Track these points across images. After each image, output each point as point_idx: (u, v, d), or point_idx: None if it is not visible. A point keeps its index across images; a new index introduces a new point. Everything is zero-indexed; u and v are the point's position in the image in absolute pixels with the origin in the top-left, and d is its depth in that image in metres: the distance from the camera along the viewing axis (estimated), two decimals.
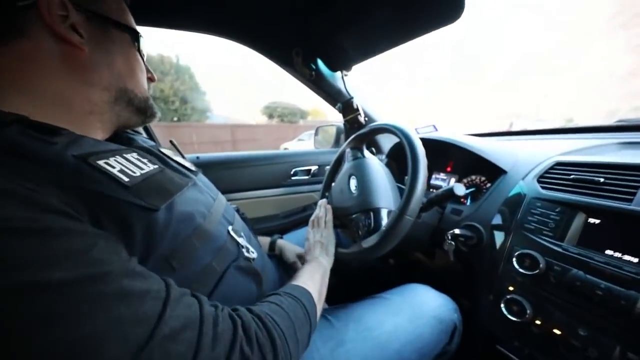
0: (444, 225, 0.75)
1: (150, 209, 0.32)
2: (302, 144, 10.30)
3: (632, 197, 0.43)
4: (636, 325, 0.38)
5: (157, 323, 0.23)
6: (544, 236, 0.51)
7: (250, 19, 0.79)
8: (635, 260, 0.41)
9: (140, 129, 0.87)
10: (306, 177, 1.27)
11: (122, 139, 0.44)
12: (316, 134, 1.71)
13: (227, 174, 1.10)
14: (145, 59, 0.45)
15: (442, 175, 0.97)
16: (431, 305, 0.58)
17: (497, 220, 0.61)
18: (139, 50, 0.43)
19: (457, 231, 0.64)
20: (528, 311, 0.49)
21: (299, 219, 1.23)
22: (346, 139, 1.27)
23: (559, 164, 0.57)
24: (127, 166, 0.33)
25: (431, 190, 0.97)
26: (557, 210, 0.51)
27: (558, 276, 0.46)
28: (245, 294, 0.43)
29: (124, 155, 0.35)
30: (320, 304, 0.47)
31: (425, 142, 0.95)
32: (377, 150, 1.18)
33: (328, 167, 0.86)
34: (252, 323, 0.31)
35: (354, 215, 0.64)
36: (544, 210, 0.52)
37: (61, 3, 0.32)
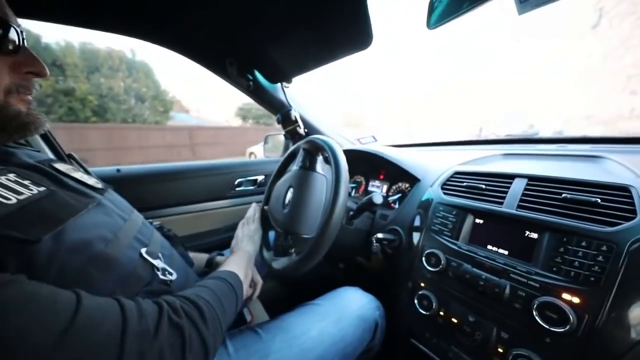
0: (375, 229, 0.81)
1: (29, 241, 0.28)
2: (260, 149, 10.11)
3: (502, 200, 0.53)
4: (505, 308, 0.45)
5: (76, 310, 0.25)
6: (445, 236, 0.58)
7: (181, 25, 0.76)
8: (506, 252, 0.49)
9: (38, 138, 0.74)
10: (252, 188, 1.24)
11: None
12: (266, 142, 1.69)
13: (160, 188, 1.00)
14: (16, 47, 0.36)
15: (377, 183, 1.05)
16: (355, 306, 0.61)
17: (413, 223, 0.67)
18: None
19: (380, 235, 0.69)
20: (434, 304, 0.55)
21: None
22: (285, 147, 1.29)
23: (457, 172, 0.66)
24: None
25: (380, 195, 1.05)
26: (454, 213, 0.59)
27: (454, 271, 0.53)
28: None
29: None
30: (246, 283, 0.54)
31: (360, 153, 1.03)
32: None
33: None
34: (176, 300, 0.34)
35: (279, 229, 0.65)
36: (445, 213, 0.60)
37: None
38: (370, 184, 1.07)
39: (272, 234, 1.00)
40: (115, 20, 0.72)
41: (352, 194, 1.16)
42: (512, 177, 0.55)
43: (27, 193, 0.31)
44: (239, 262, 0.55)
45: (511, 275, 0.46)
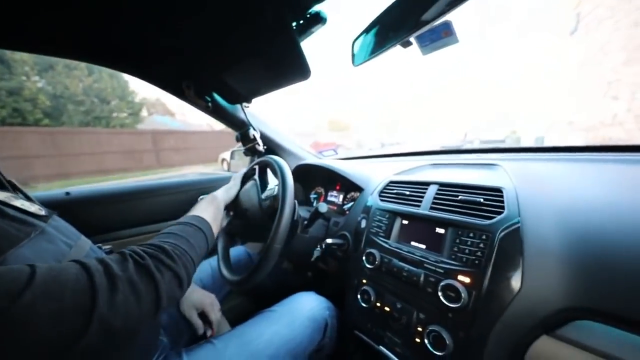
0: (329, 236, 0.89)
1: None
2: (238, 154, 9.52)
3: (420, 204, 0.64)
4: (421, 293, 0.55)
5: (33, 272, 0.27)
6: (379, 237, 0.67)
7: (135, 50, 0.79)
8: (423, 247, 0.59)
9: None
10: None
11: None
12: (232, 157, 1.73)
13: (116, 209, 0.99)
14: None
15: (334, 193, 1.14)
16: (306, 308, 0.67)
17: (358, 227, 0.76)
18: None
19: (329, 240, 0.77)
20: (372, 297, 0.63)
21: None
22: (249, 163, 1.34)
23: (391, 182, 0.77)
24: None
25: (329, 205, 1.13)
26: (387, 216, 0.69)
27: (386, 266, 0.62)
28: (110, 352, 0.42)
29: None
30: (215, 225, 0.56)
31: (319, 167, 1.12)
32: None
33: None
34: (136, 247, 0.38)
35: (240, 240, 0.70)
36: (380, 217, 0.70)
37: None
38: (329, 194, 1.16)
39: (236, 253, 1.03)
40: (62, 44, 0.72)
41: (314, 204, 1.24)
42: (428, 184, 0.67)
43: None
44: (204, 206, 0.58)
45: (425, 265, 0.56)
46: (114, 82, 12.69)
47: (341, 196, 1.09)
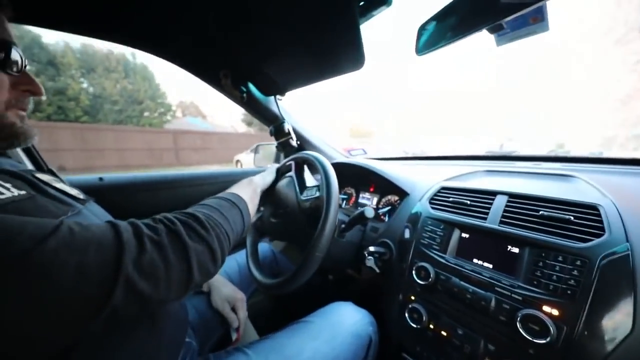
0: (366, 242, 0.82)
1: None
2: (250, 157, 9.53)
3: (486, 216, 0.56)
4: (492, 321, 0.47)
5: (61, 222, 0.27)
6: (434, 249, 0.60)
7: (175, 36, 0.76)
8: (490, 266, 0.52)
9: (20, 153, 0.71)
10: None
11: None
12: (256, 151, 1.69)
13: (144, 197, 0.97)
14: (19, 68, 0.40)
15: (367, 195, 1.07)
16: (349, 322, 0.61)
17: (403, 236, 0.69)
18: (3, 62, 0.38)
19: (372, 248, 0.70)
20: (424, 318, 0.56)
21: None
22: (277, 159, 1.29)
23: (444, 188, 0.69)
24: None
25: (358, 207, 1.07)
26: (441, 227, 0.61)
27: (443, 284, 0.55)
28: (135, 342, 0.38)
29: None
30: (252, 205, 0.54)
31: (351, 166, 1.06)
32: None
33: None
34: (168, 214, 0.36)
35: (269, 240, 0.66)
36: (433, 227, 0.62)
37: None
38: (361, 195, 1.09)
39: (261, 250, 0.99)
40: (109, 28, 0.71)
41: (343, 205, 1.17)
42: (494, 193, 0.59)
43: (7, 194, 0.31)
44: (242, 186, 0.56)
45: (496, 288, 0.48)
46: (145, 84, 13.39)
47: (375, 199, 1.02)
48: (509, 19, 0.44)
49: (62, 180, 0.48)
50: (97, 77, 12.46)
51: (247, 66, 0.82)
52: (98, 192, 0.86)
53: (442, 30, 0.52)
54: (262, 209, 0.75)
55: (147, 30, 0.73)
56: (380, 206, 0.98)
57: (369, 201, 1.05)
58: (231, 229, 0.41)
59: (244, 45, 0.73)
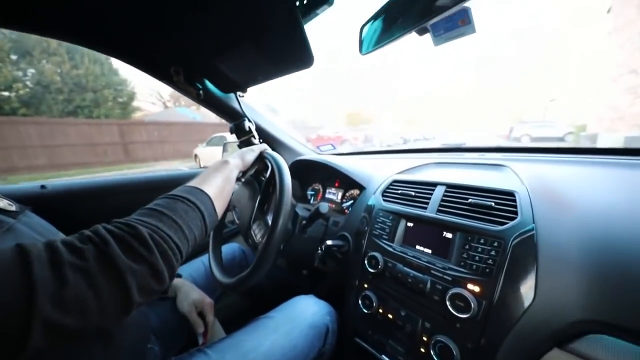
0: (327, 236, 0.85)
1: None
2: (208, 150, 7.72)
3: (426, 206, 0.60)
4: (427, 301, 0.52)
5: None
6: (383, 239, 0.64)
7: (120, 31, 0.72)
8: (429, 251, 0.57)
9: None
10: None
11: None
12: (224, 150, 1.65)
13: (95, 204, 0.92)
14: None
15: (333, 190, 1.10)
16: (306, 314, 0.64)
17: (359, 229, 0.73)
18: None
19: (329, 242, 0.73)
20: (375, 303, 0.60)
21: (197, 246, 1.14)
22: None
23: (395, 181, 0.74)
24: None
25: (327, 202, 1.10)
26: (390, 218, 0.65)
27: (390, 271, 0.59)
28: (91, 358, 0.38)
29: None
30: (221, 198, 0.47)
31: (316, 163, 1.08)
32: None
33: None
34: (101, 227, 0.31)
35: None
36: (383, 219, 0.66)
37: None
38: (327, 191, 1.12)
39: (229, 250, 0.98)
40: (44, 20, 0.65)
41: (311, 201, 1.19)
42: (434, 184, 0.64)
43: None
44: (209, 175, 0.48)
45: (432, 271, 0.53)
46: (96, 68, 11.93)
47: (340, 194, 1.05)
48: (432, 22, 0.47)
49: None
50: (35, 63, 10.71)
51: (199, 63, 0.80)
52: (40, 201, 0.80)
53: (379, 30, 0.55)
54: (242, 180, 0.72)
55: (89, 25, 0.68)
56: (344, 200, 1.02)
57: (334, 196, 1.08)
58: (185, 238, 0.36)
59: (193, 42, 0.70)
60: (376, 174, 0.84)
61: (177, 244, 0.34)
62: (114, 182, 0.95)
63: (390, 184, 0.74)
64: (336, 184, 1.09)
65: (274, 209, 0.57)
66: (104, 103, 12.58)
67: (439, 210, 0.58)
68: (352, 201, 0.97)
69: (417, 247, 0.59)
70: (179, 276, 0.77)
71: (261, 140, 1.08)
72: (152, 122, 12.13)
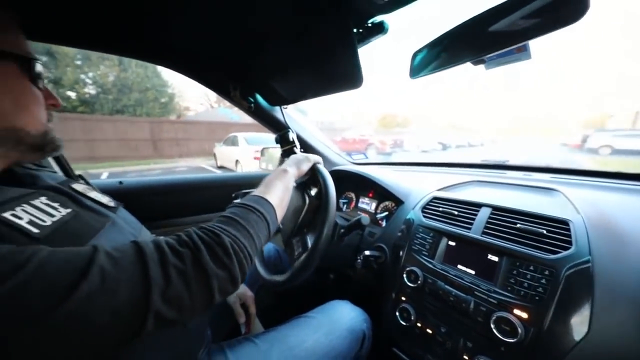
0: (363, 245, 0.88)
1: None
2: (224, 149, 7.91)
3: (470, 226, 0.61)
4: (470, 321, 0.53)
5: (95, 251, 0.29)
6: (423, 255, 0.66)
7: (190, 52, 0.82)
8: (472, 272, 0.58)
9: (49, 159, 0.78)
10: None
11: (22, 177, 0.40)
12: (262, 154, 1.76)
13: (161, 200, 1.05)
14: (43, 85, 0.41)
15: (366, 200, 1.13)
16: (345, 319, 0.67)
17: (397, 242, 0.75)
18: (33, 77, 0.39)
19: (367, 252, 0.77)
20: (413, 317, 0.62)
21: None
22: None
23: (435, 198, 0.75)
24: (36, 215, 0.32)
25: (359, 212, 1.13)
26: (431, 235, 0.67)
27: (430, 287, 0.61)
28: (166, 338, 0.44)
29: (31, 202, 0.33)
30: (281, 207, 0.51)
31: (350, 174, 1.11)
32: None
33: None
34: (194, 233, 0.36)
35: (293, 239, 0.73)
36: (424, 235, 0.68)
37: None
38: (361, 200, 1.15)
39: (265, 249, 1.06)
40: (124, 44, 0.77)
41: (344, 209, 1.23)
42: (479, 205, 0.64)
43: (57, 215, 0.34)
44: (273, 184, 0.53)
45: (475, 292, 0.54)
46: (140, 71, 13.22)
47: (374, 204, 1.08)
48: (494, 53, 0.49)
49: (93, 188, 0.50)
50: (94, 67, 12.39)
51: (254, 80, 0.88)
52: (118, 196, 0.94)
53: (432, 58, 0.57)
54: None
55: (165, 47, 0.79)
56: (378, 211, 1.04)
57: (368, 206, 1.11)
58: (255, 247, 0.41)
59: (253, 64, 0.79)
60: (415, 188, 0.85)
61: (250, 253, 0.39)
62: (180, 180, 1.08)
63: (431, 201, 0.75)
64: (370, 195, 1.12)
65: (320, 224, 0.62)
66: (147, 103, 13.84)
67: (484, 233, 0.59)
68: (386, 213, 1.00)
69: (459, 266, 0.60)
70: None
71: (302, 150, 1.15)
72: (181, 121, 13.05)
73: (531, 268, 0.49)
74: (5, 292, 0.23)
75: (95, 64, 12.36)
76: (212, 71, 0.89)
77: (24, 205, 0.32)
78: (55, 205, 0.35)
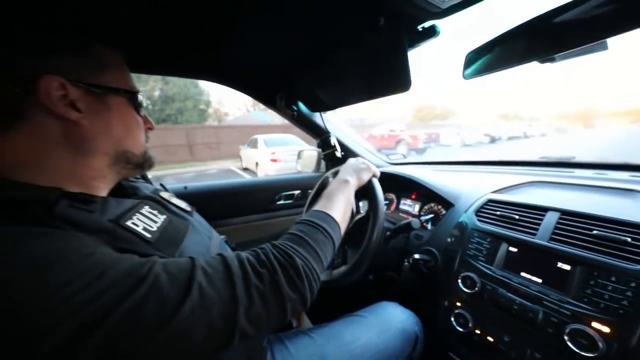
0: (409, 247, 0.88)
1: None
2: (249, 152, 8.10)
3: (536, 232, 0.58)
4: (539, 332, 0.51)
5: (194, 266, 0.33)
6: (480, 261, 0.64)
7: (241, 68, 0.89)
8: (539, 280, 0.55)
9: None
10: (290, 202, 1.36)
11: (127, 188, 0.48)
12: (299, 157, 1.82)
13: (218, 202, 1.16)
14: (142, 112, 0.46)
15: (408, 202, 1.11)
16: (397, 320, 0.68)
17: (449, 246, 0.74)
18: (136, 107, 0.44)
19: (416, 256, 0.76)
20: (470, 323, 0.61)
21: None
22: (326, 168, 1.39)
23: (490, 200, 0.72)
24: (146, 222, 0.39)
25: (400, 213, 1.12)
26: (488, 240, 0.65)
27: (489, 294, 0.59)
28: None
29: (140, 211, 0.40)
30: (344, 222, 0.52)
31: (393, 175, 1.11)
32: None
33: (310, 191, 0.97)
34: (270, 252, 0.38)
35: None
36: (479, 240, 0.66)
37: (60, 84, 0.34)
38: (402, 202, 1.14)
39: None
40: (192, 68, 0.86)
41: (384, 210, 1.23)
42: (545, 209, 0.60)
43: (159, 222, 0.39)
44: (336, 197, 0.53)
45: (544, 302, 0.51)
46: (179, 81, 14.66)
47: (417, 206, 1.06)
48: (568, 52, 0.45)
49: (172, 195, 0.57)
50: (143, 82, 14.14)
51: (300, 87, 0.93)
52: (185, 198, 1.06)
53: (490, 58, 0.55)
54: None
55: (213, 63, 0.86)
56: (422, 213, 1.02)
57: (410, 207, 1.09)
58: (322, 267, 0.43)
59: (302, 74, 0.83)
60: (465, 190, 0.82)
61: (318, 275, 0.41)
62: (230, 184, 1.18)
63: (485, 204, 0.72)
64: (413, 196, 1.10)
65: (370, 222, 0.64)
66: (186, 111, 15.29)
67: (552, 239, 0.55)
68: (431, 215, 0.97)
69: (523, 274, 0.57)
70: None
71: (343, 154, 1.17)
72: (213, 126, 14.17)
73: (613, 279, 0.46)
74: (132, 305, 0.26)
75: (145, 80, 13.97)
76: (261, 83, 0.96)
77: (137, 214, 0.39)
78: (155, 212, 0.42)
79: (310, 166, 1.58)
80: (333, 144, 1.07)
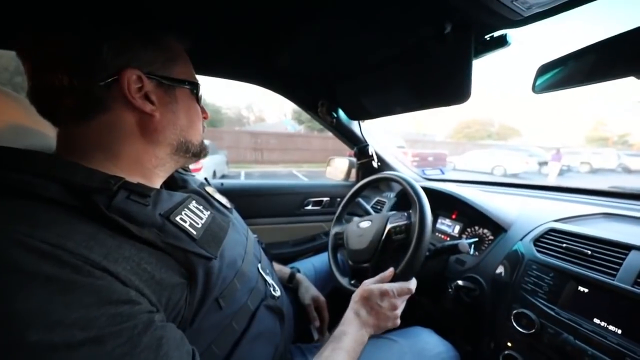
0: (448, 273, 0.81)
1: (210, 258, 0.37)
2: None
3: (615, 272, 0.49)
4: None
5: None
6: (539, 298, 0.56)
7: (288, 75, 0.91)
8: (619, 331, 0.46)
9: None
10: (317, 208, 1.34)
11: (177, 180, 0.50)
12: (328, 164, 1.82)
13: (248, 201, 1.18)
14: (202, 103, 0.47)
15: (447, 222, 1.03)
16: (432, 352, 0.61)
17: (498, 276, 0.66)
18: (197, 98, 0.45)
19: (460, 283, 0.70)
20: None
21: (306, 248, 1.28)
22: (357, 177, 1.36)
23: (553, 230, 0.63)
24: (193, 219, 0.39)
25: (437, 233, 1.04)
26: (550, 275, 0.57)
27: (551, 338, 0.51)
28: (271, 333, 0.48)
29: (189, 206, 0.40)
30: None
31: (430, 190, 1.04)
32: (386, 188, 1.26)
33: (339, 199, 0.94)
34: None
35: (366, 264, 0.70)
36: (539, 274, 0.58)
37: (137, 77, 0.36)
38: (440, 221, 1.06)
39: (341, 257, 1.06)
40: (226, 67, 0.87)
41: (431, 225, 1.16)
42: (628, 247, 0.51)
43: (204, 218, 0.40)
44: (353, 351, 0.48)
45: (627, 358, 0.43)
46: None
47: (457, 227, 0.98)
48: None
49: (215, 190, 0.58)
50: None
51: (344, 96, 0.92)
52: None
53: (566, 73, 0.50)
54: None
55: (267, 71, 0.90)
56: (464, 237, 0.94)
57: (449, 228, 1.01)
58: None
59: (346, 79, 0.82)
60: (521, 215, 0.74)
61: None
62: (270, 185, 1.20)
63: (547, 233, 0.64)
64: (453, 216, 1.02)
65: (415, 238, 0.59)
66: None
67: (637, 283, 0.47)
68: (475, 239, 0.89)
69: (596, 320, 0.49)
70: (298, 271, 0.82)
71: (379, 164, 1.14)
72: (278, 133, 15.36)
73: None
74: None
75: None
76: (304, 89, 0.97)
77: (185, 209, 0.39)
78: (201, 208, 0.42)
79: (340, 175, 1.57)
80: (371, 154, 1.04)
